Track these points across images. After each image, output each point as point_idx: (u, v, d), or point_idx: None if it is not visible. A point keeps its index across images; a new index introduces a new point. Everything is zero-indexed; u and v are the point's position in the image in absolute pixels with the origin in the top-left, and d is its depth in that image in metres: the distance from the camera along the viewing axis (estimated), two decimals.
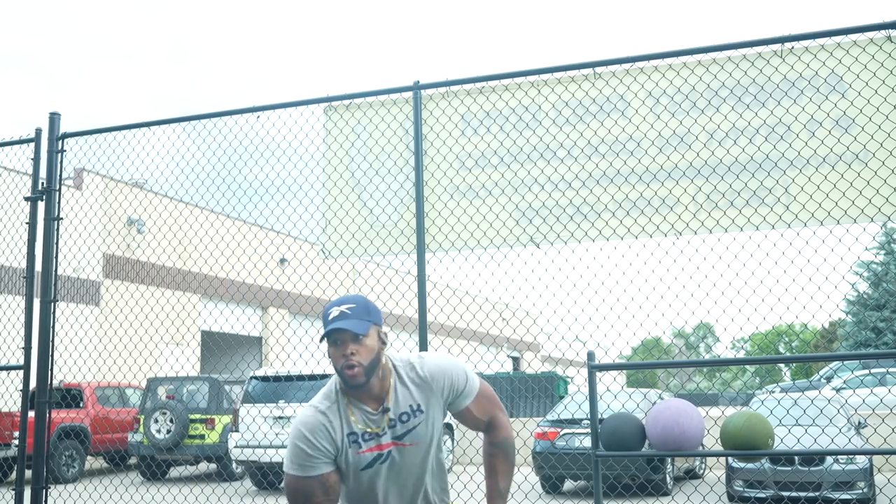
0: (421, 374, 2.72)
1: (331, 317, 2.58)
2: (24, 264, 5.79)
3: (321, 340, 2.60)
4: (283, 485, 2.68)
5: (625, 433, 4.06)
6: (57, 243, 5.74)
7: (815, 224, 4.36)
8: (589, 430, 7.38)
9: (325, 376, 11.62)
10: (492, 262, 5.11)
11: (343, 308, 2.59)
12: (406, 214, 5.15)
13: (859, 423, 10.01)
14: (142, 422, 13.81)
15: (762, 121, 4.52)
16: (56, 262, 5.72)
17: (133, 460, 15.10)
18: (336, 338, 2.58)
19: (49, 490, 5.64)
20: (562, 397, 17.67)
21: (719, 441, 3.97)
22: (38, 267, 5.67)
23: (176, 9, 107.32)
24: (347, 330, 2.55)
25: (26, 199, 5.78)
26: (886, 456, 11.58)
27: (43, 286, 5.69)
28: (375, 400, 2.66)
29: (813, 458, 8.95)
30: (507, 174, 4.97)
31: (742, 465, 9.19)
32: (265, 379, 12.31)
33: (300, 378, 12.00)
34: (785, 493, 8.85)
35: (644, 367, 7.01)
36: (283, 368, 12.53)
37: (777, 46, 4.53)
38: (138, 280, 21.86)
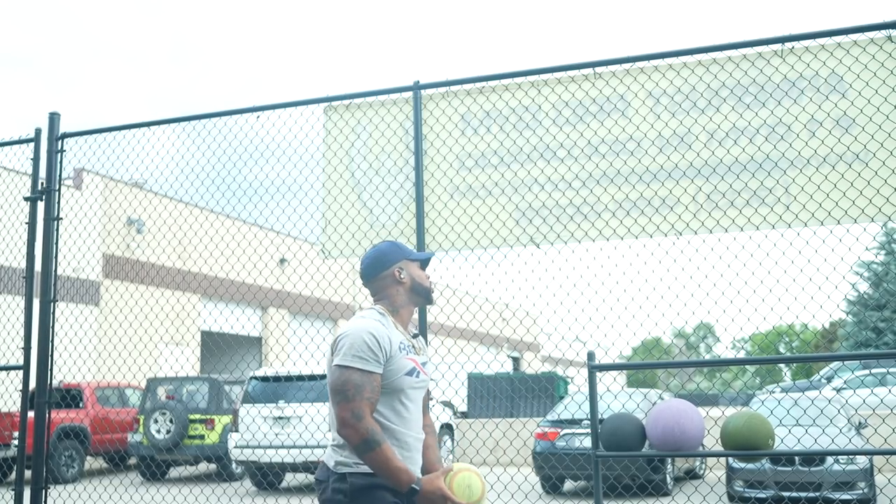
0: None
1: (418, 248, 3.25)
2: (24, 264, 5.78)
3: (423, 265, 3.06)
4: (330, 381, 2.75)
5: (625, 433, 4.06)
6: (57, 243, 5.74)
7: (816, 224, 4.35)
8: (589, 431, 7.36)
9: (324, 377, 11.60)
10: (492, 262, 5.11)
11: None
12: (406, 214, 5.14)
13: (860, 423, 9.99)
14: (142, 422, 13.80)
15: (762, 121, 4.51)
16: (56, 262, 5.72)
17: (133, 460, 15.08)
18: (428, 264, 3.09)
19: (49, 490, 5.64)
20: (562, 397, 17.65)
21: (719, 441, 3.96)
22: (38, 267, 5.67)
23: (176, 9, 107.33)
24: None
25: (26, 199, 5.78)
26: (887, 456, 11.57)
27: (43, 286, 5.68)
28: (405, 326, 2.99)
29: (813, 458, 8.94)
30: (507, 174, 4.96)
31: (742, 465, 9.17)
32: (265, 379, 12.30)
33: (300, 378, 11.99)
34: (785, 494, 8.84)
35: (644, 367, 7.00)
36: (282, 368, 12.52)
37: (777, 46, 4.52)
38: (138, 280, 21.85)
